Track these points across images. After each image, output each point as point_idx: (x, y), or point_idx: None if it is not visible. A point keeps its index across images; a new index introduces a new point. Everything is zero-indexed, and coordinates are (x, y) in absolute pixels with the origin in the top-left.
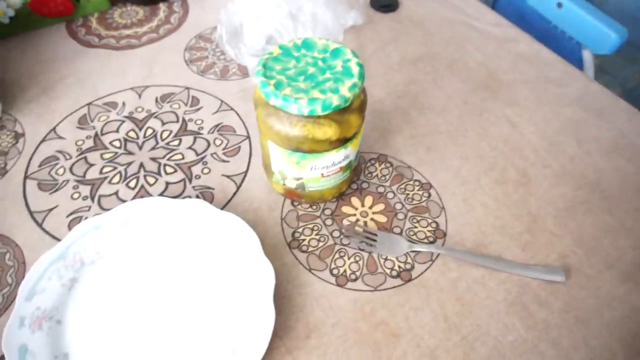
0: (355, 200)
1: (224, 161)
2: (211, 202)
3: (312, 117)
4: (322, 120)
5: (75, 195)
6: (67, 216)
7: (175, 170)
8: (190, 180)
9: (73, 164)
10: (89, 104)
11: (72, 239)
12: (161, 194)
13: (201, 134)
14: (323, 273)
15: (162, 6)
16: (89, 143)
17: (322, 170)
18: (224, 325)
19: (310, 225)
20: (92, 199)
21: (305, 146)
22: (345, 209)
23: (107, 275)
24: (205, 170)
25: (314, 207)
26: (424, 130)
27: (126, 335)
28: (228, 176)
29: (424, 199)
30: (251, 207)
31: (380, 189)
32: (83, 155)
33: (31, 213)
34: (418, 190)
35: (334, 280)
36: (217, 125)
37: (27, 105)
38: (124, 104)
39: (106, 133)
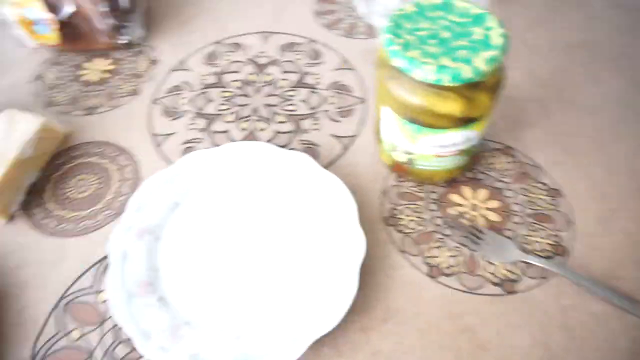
0: (466, 190)
1: (335, 120)
2: (315, 158)
3: (437, 87)
4: (447, 93)
5: (192, 126)
6: (182, 144)
7: (286, 121)
8: (298, 133)
9: (195, 97)
10: (218, 42)
11: (183, 167)
12: (268, 141)
13: (317, 89)
14: (416, 259)
15: None
16: (212, 79)
17: (437, 149)
18: (304, 286)
19: (412, 206)
20: (206, 133)
21: (424, 118)
22: (454, 197)
23: (205, 206)
24: (315, 126)
25: (420, 187)
26: (565, 129)
27: (211, 265)
28: (336, 136)
29: (549, 207)
30: (353, 172)
31: (499, 185)
32: (205, 90)
33: (153, 135)
34: (544, 195)
35: (426, 270)
36: (334, 83)
37: (164, 36)
38: (250, 46)
39: (228, 72)
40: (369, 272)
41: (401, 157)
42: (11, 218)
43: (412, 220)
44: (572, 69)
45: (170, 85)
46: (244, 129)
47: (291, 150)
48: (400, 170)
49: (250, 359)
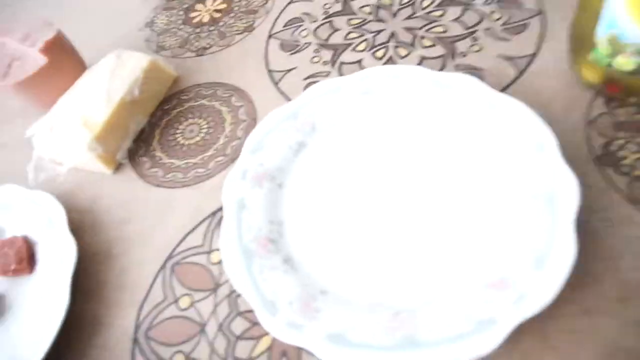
0: None
1: (502, 39)
2: None
3: None
4: None
5: (316, 59)
6: (304, 79)
7: (434, 45)
8: (452, 57)
9: (317, 27)
10: None
11: (306, 99)
12: None
13: (472, 4)
14: None
15: None
16: (337, 7)
17: None
18: (487, 247)
19: (639, 139)
20: (333, 65)
21: None
22: None
23: (338, 146)
24: (475, 48)
25: None
26: None
27: (349, 218)
28: (507, 57)
29: None
30: (538, 100)
31: None
32: (329, 19)
33: (269, 71)
34: None
35: None
36: None
37: None
38: None
39: None
40: (586, 231)
41: (626, 62)
42: (117, 167)
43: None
44: None
45: (288, 18)
46: (379, 58)
47: (449, 73)
48: (615, 89)
49: (417, 346)
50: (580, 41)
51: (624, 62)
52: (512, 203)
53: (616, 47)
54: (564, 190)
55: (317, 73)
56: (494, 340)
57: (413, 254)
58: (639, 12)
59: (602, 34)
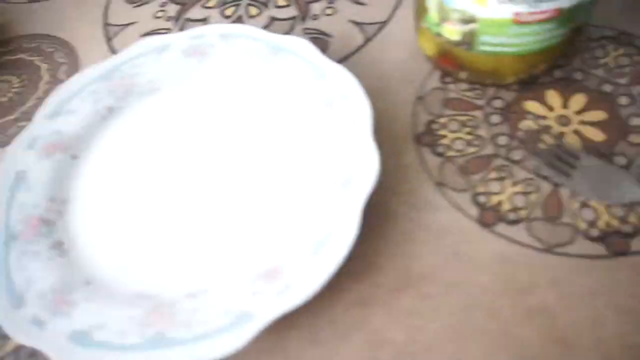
0: (552, 96)
1: (358, 3)
2: (323, 51)
3: None
4: None
5: (160, 14)
6: (142, 36)
7: (288, 5)
8: (304, 20)
9: None
10: None
11: (126, 57)
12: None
13: None
14: (461, 196)
15: None
16: None
17: (520, 6)
18: (275, 232)
19: (463, 117)
20: (176, 21)
21: None
22: (532, 106)
23: (154, 115)
24: (329, 11)
25: (478, 91)
26: None
27: (142, 199)
28: (357, 23)
29: None
30: (378, 69)
31: (607, 87)
32: None
33: (106, 25)
34: None
35: (476, 213)
36: None
37: None
38: None
39: None
40: (383, 214)
41: (454, 32)
42: None
43: (459, 139)
44: None
45: None
46: (227, 16)
47: (286, 36)
48: (449, 63)
49: (164, 344)
50: (420, 7)
51: (450, 31)
52: (308, 185)
53: (443, 13)
54: (363, 172)
55: (156, 30)
56: (244, 337)
57: (194, 240)
58: None
59: None
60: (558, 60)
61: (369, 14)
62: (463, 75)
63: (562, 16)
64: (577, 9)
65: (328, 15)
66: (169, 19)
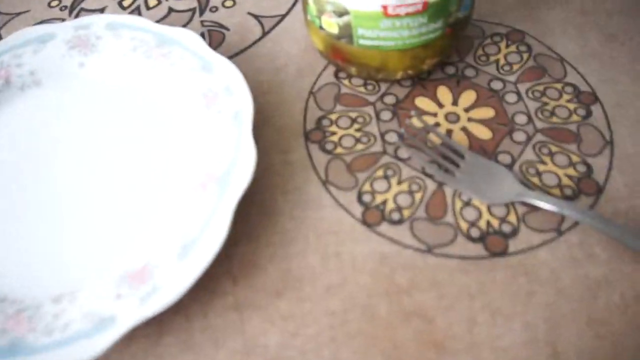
0: (443, 92)
1: None
2: (216, 46)
3: None
4: None
5: (55, 3)
6: (32, 25)
7: None
8: (202, 13)
9: None
10: None
11: (4, 46)
12: (157, 22)
13: None
14: (346, 195)
15: None
16: None
17: None
18: (139, 231)
19: (353, 114)
20: (71, 12)
21: None
22: (422, 102)
23: (32, 109)
24: (228, 3)
25: (371, 87)
26: (613, 7)
27: (20, 195)
28: (256, 16)
29: (575, 117)
30: (274, 63)
31: (496, 85)
32: None
33: None
34: (569, 100)
35: (359, 212)
36: None
37: None
38: None
39: None
40: (267, 214)
41: (332, 25)
42: None
43: (348, 135)
44: None
45: None
46: (125, 7)
47: (174, 28)
48: (338, 57)
49: (17, 352)
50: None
51: (328, 24)
52: (180, 183)
53: (319, 4)
54: (239, 169)
55: (49, 19)
56: (104, 343)
57: (62, 241)
58: None
59: None
60: (447, 57)
61: (268, 6)
62: (353, 70)
63: (431, 9)
64: (445, 3)
65: (227, 7)
66: (63, 8)
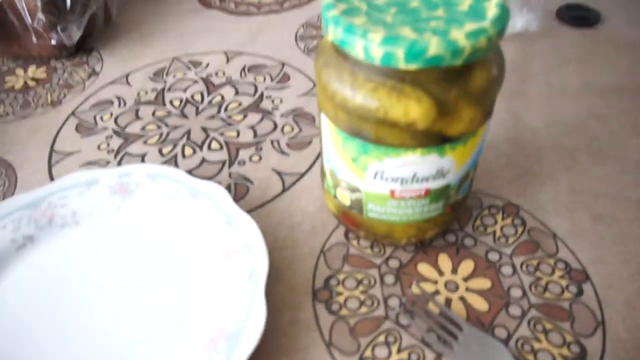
0: (444, 260)
1: (282, 153)
2: (240, 197)
3: (391, 75)
4: (407, 88)
5: (103, 146)
6: (81, 165)
7: (221, 148)
8: (230, 165)
9: (122, 113)
10: (175, 58)
11: (55, 187)
12: (189, 171)
13: (272, 114)
14: (348, 359)
15: None
16: (151, 96)
17: (392, 184)
18: None
19: (359, 275)
20: (116, 155)
21: (371, 129)
22: (424, 269)
23: (70, 248)
24: (255, 158)
25: (377, 249)
26: (600, 189)
27: (60, 330)
28: (279, 172)
29: (568, 295)
30: (290, 219)
31: (493, 256)
32: (137, 107)
33: (52, 151)
34: (561, 277)
35: None
36: (295, 110)
37: (118, 49)
38: (207, 65)
39: (173, 90)
40: None
41: (345, 198)
42: None
43: (354, 297)
44: (608, 114)
45: (99, 99)
46: (164, 154)
47: (204, 181)
48: (349, 222)
49: None
50: (322, 170)
51: (342, 196)
52: (198, 336)
53: (335, 180)
54: (250, 329)
55: (96, 161)
56: None
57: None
58: (342, 152)
59: (326, 165)
60: (448, 227)
61: (291, 164)
62: (362, 234)
63: (433, 194)
64: (446, 189)
65: (255, 162)
66: (110, 151)
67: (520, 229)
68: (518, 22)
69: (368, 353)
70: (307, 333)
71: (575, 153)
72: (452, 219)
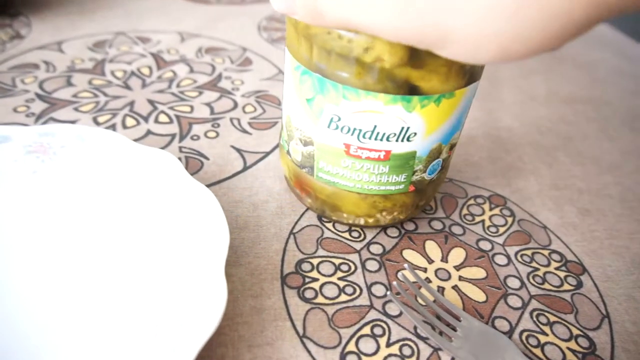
0: (432, 247)
1: (244, 132)
2: (193, 172)
3: None
4: None
5: (22, 109)
6: None
7: (170, 122)
8: (182, 139)
9: (49, 78)
10: (120, 32)
11: None
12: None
13: (232, 93)
14: (327, 354)
15: None
16: (88, 64)
17: (348, 137)
18: None
19: (337, 261)
20: (38, 119)
21: (331, 61)
22: (411, 256)
23: None
24: (211, 134)
25: (355, 233)
26: (582, 186)
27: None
28: (239, 150)
29: (568, 287)
30: (250, 199)
31: (484, 245)
32: (70, 74)
33: None
34: (557, 268)
35: None
36: (258, 92)
37: (52, 18)
38: (158, 42)
39: (116, 61)
40: None
41: (297, 153)
42: None
43: (331, 284)
44: (577, 121)
45: (21, 62)
46: (100, 123)
47: (151, 147)
48: (298, 184)
49: None
50: (281, 125)
51: (294, 150)
52: (137, 330)
53: (289, 130)
54: (206, 317)
55: (11, 123)
56: None
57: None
58: (299, 91)
59: (284, 113)
60: (409, 215)
61: (253, 142)
62: (308, 201)
63: (394, 160)
64: (410, 158)
65: (210, 137)
66: (30, 115)
67: (509, 220)
68: None
69: (351, 347)
70: (274, 323)
71: (553, 152)
72: (414, 203)
